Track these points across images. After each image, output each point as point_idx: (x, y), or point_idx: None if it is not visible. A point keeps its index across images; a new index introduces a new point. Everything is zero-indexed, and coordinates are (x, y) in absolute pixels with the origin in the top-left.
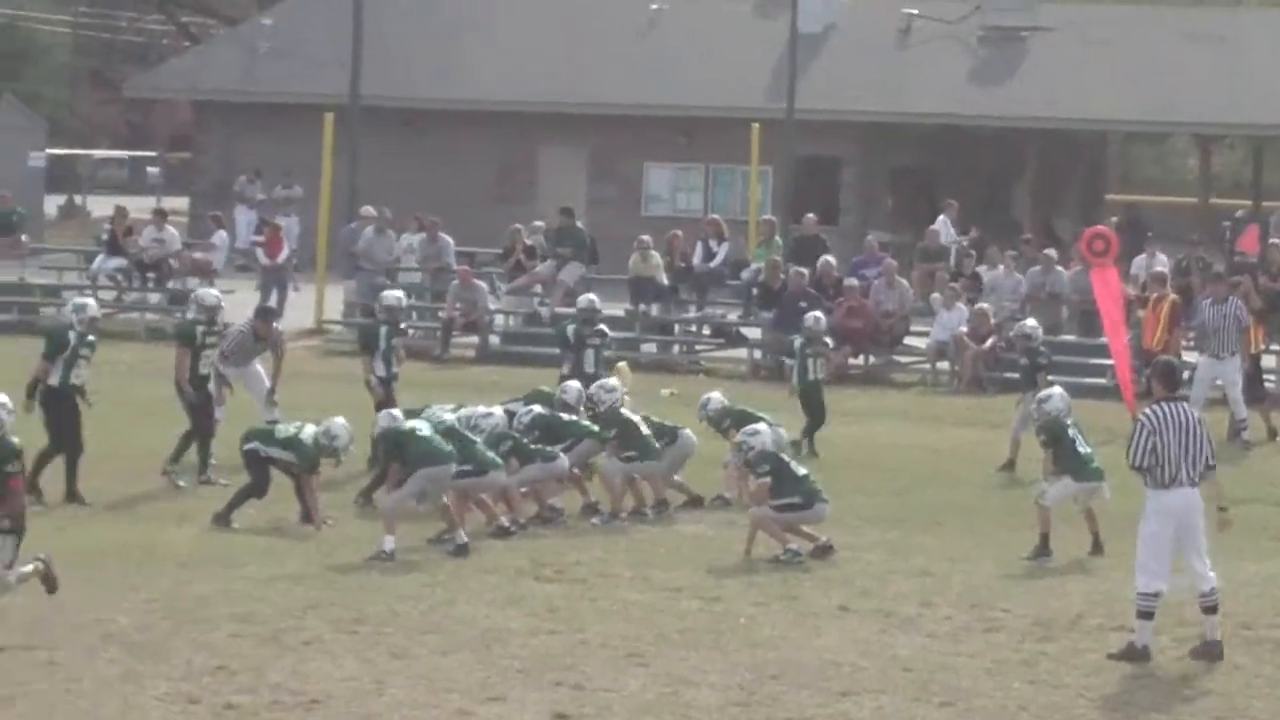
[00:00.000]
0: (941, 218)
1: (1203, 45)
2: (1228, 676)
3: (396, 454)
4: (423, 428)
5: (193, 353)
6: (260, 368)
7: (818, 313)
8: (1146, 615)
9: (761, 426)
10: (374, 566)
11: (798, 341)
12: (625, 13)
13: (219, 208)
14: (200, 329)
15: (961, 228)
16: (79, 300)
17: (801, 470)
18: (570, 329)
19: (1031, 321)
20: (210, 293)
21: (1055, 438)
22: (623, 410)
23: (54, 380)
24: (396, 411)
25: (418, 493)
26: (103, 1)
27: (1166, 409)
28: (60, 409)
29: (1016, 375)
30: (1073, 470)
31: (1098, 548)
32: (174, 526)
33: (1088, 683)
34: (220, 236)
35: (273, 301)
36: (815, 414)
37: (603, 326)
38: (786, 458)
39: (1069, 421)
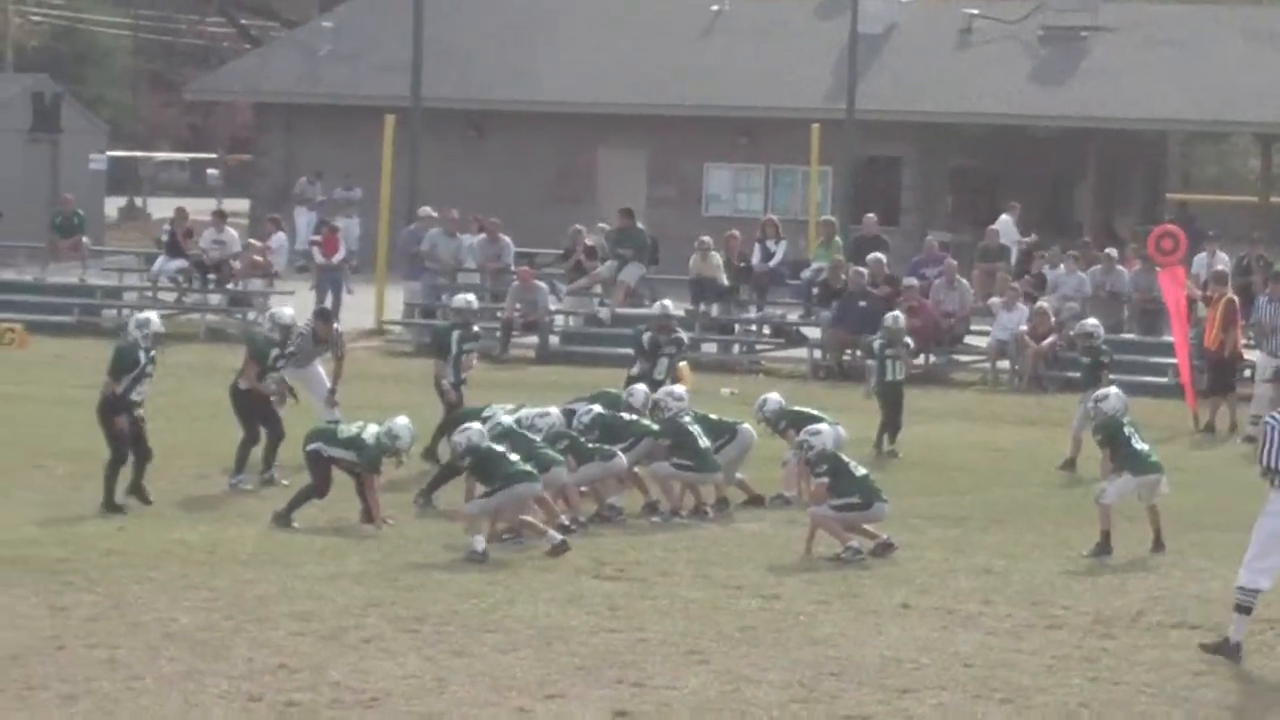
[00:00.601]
0: (1004, 217)
1: (1264, 44)
2: None
3: (480, 472)
4: (507, 450)
5: (262, 370)
6: (321, 369)
7: (897, 312)
8: (1245, 610)
9: (823, 426)
10: (437, 565)
11: (877, 342)
12: (686, 14)
13: (279, 210)
14: (274, 351)
15: (1023, 228)
16: (141, 316)
17: (861, 470)
18: (646, 335)
19: (1093, 320)
20: (286, 311)
21: (1111, 436)
22: (684, 420)
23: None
24: (482, 428)
25: (501, 506)
26: (163, 4)
27: None
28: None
29: (1077, 374)
30: (1131, 466)
31: (1159, 545)
32: (235, 526)
33: (1148, 679)
34: (278, 238)
35: (328, 302)
36: (893, 415)
37: (680, 334)
38: (846, 457)
39: (1125, 420)
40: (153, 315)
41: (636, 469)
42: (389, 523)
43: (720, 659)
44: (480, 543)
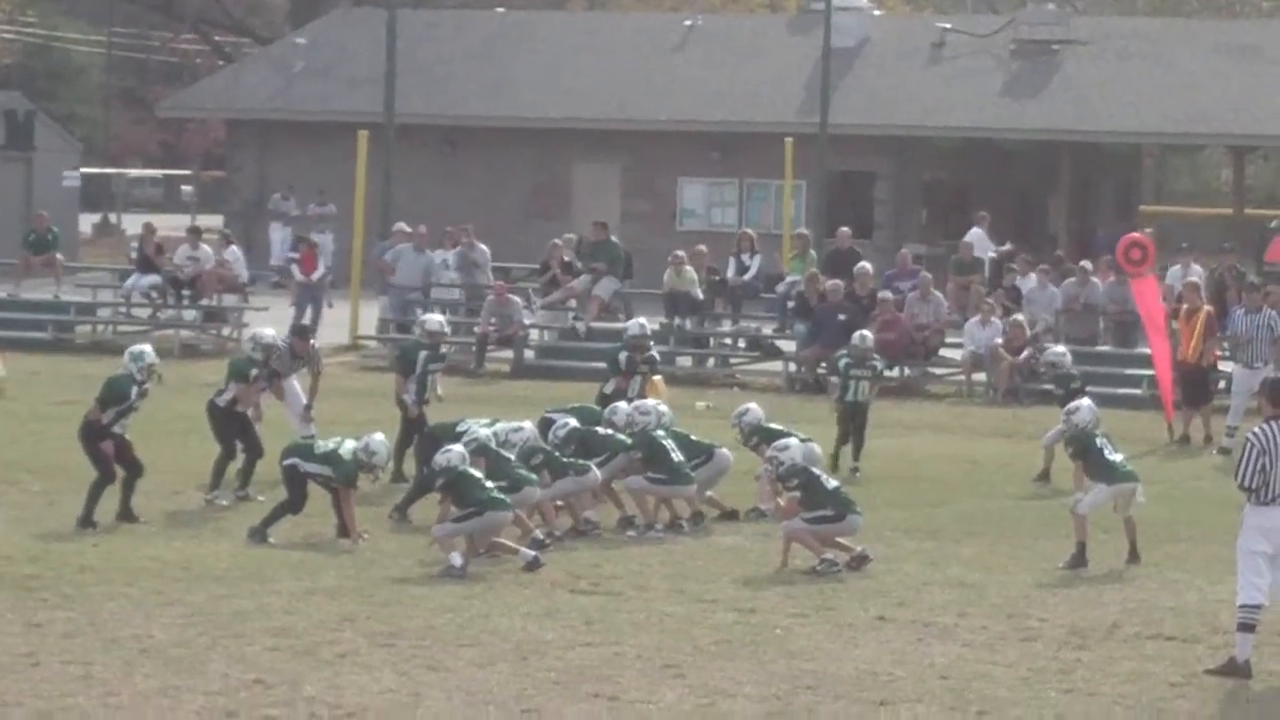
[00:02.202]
0: (975, 230)
1: (1235, 57)
2: (1263, 682)
3: (454, 495)
4: (483, 472)
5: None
6: (297, 384)
7: (865, 331)
8: (1248, 628)
9: (791, 441)
10: (412, 580)
11: (843, 360)
12: (659, 29)
13: (253, 226)
14: (255, 371)
15: (997, 239)
16: (137, 348)
17: (833, 483)
18: (623, 355)
19: (1060, 348)
20: (267, 331)
21: (1083, 449)
22: (657, 434)
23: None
24: (463, 451)
25: (472, 531)
26: (137, 22)
27: (1273, 427)
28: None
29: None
30: (1105, 476)
31: (1134, 556)
32: (210, 542)
33: (1124, 691)
34: (233, 252)
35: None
36: (856, 434)
37: (654, 353)
38: (818, 471)
39: (1097, 432)
40: (148, 348)
41: (612, 484)
42: (364, 538)
43: (696, 673)
44: (458, 558)
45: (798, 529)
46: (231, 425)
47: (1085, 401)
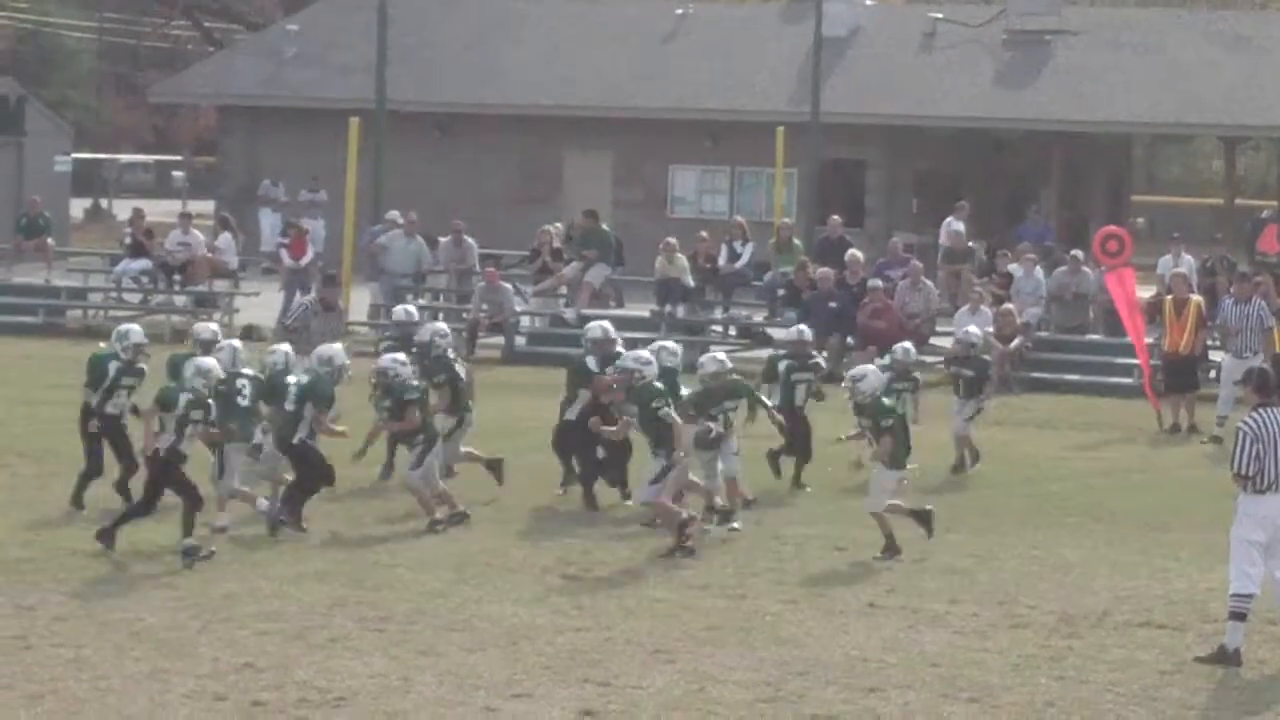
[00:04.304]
0: (950, 220)
1: (1228, 47)
2: (1252, 670)
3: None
4: None
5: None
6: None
7: (908, 344)
8: (1239, 616)
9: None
10: (402, 564)
11: (783, 364)
12: (650, 17)
13: (244, 211)
14: (115, 364)
15: (974, 229)
16: (123, 327)
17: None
18: (590, 359)
19: (974, 329)
20: (134, 328)
21: (874, 420)
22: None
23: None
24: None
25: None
26: (128, 7)
27: (1265, 415)
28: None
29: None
30: (891, 456)
31: (892, 549)
32: (201, 527)
33: (1114, 678)
34: (225, 239)
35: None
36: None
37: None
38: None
39: (890, 402)
40: (134, 328)
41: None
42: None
43: (686, 658)
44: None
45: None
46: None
47: (870, 368)
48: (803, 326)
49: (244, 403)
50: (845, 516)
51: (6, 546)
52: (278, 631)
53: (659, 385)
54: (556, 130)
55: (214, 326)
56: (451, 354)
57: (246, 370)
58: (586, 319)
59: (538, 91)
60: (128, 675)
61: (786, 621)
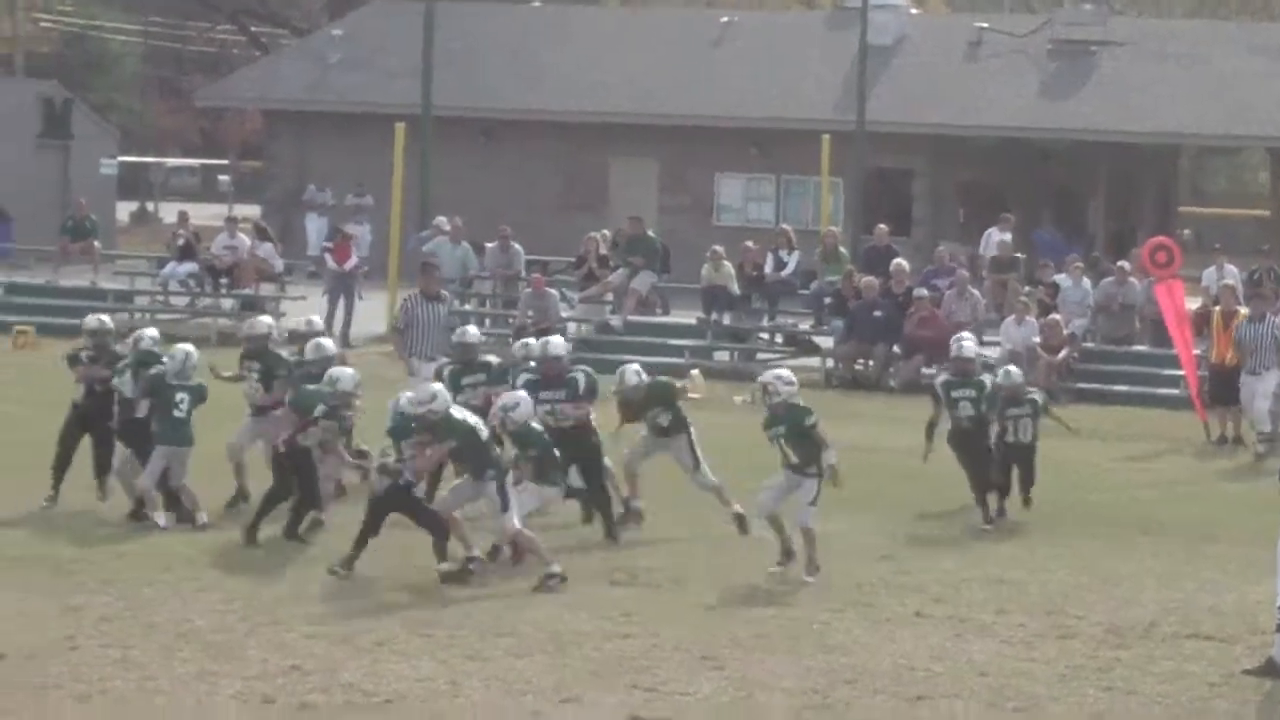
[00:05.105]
0: (990, 230)
1: (1273, 58)
2: None
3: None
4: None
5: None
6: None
7: (1011, 366)
8: None
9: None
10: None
11: (940, 378)
12: (697, 25)
13: (290, 215)
14: (85, 353)
15: (1018, 241)
16: (141, 332)
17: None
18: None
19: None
20: (91, 319)
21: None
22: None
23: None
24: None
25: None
26: (174, 11)
27: None
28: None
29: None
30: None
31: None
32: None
33: (1163, 690)
34: (266, 249)
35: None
36: (1024, 472)
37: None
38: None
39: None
40: (149, 331)
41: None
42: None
43: (734, 665)
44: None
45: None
46: (78, 424)
47: (784, 371)
48: (1012, 368)
49: (179, 414)
50: (892, 525)
51: (53, 546)
52: (325, 634)
53: (803, 403)
54: (602, 137)
55: (153, 332)
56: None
57: (191, 381)
58: (633, 326)
59: (583, 98)
60: (175, 676)
61: (834, 629)
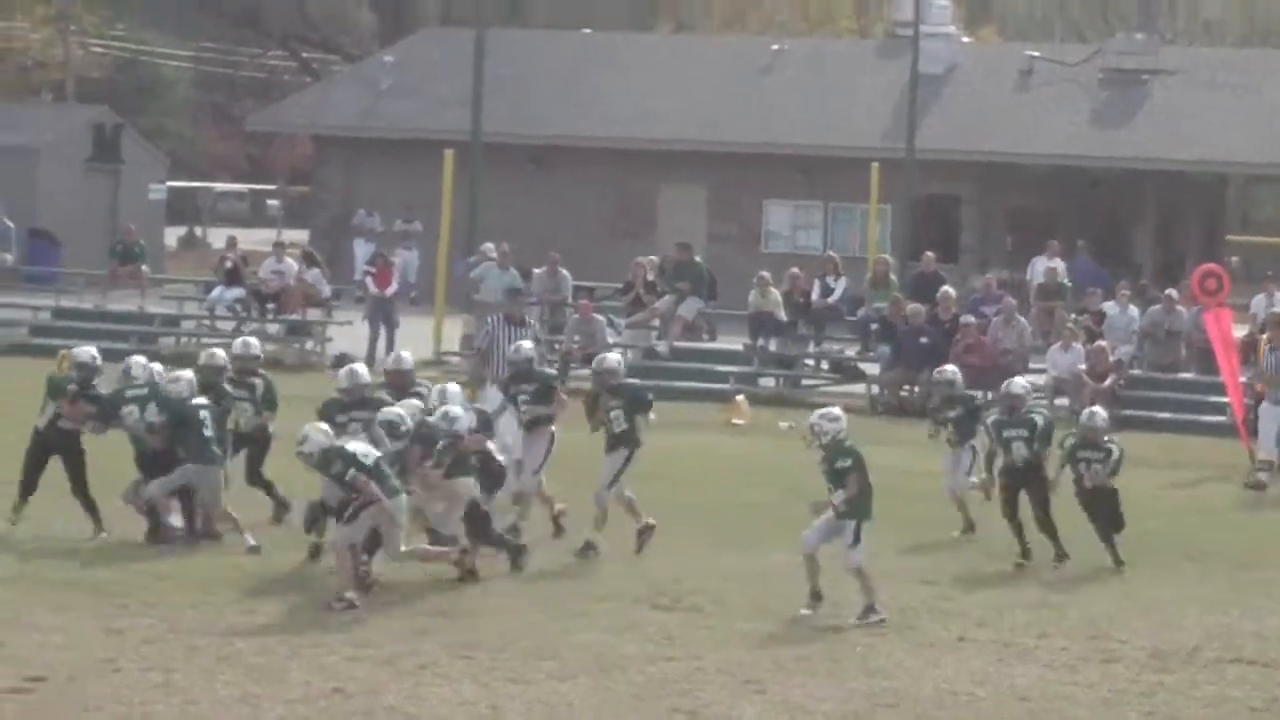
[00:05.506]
0: (1035, 259)
1: None
2: None
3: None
4: None
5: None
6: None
7: (1095, 408)
8: None
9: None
10: (491, 593)
11: (1068, 441)
12: (747, 53)
13: (338, 241)
14: (72, 387)
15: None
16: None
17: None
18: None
19: (951, 368)
20: (83, 350)
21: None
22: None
23: None
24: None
25: None
26: (225, 37)
27: None
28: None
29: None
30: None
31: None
32: (289, 551)
33: (1205, 714)
34: (314, 275)
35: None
36: (1102, 520)
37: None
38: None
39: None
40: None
41: None
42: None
43: (776, 689)
44: None
45: None
46: (43, 449)
47: (833, 408)
48: (1097, 409)
49: (207, 433)
50: (935, 551)
51: (94, 568)
52: (367, 658)
53: (850, 442)
54: (650, 164)
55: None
56: None
57: (200, 399)
58: (679, 352)
59: (632, 125)
60: (217, 699)
61: (876, 653)
